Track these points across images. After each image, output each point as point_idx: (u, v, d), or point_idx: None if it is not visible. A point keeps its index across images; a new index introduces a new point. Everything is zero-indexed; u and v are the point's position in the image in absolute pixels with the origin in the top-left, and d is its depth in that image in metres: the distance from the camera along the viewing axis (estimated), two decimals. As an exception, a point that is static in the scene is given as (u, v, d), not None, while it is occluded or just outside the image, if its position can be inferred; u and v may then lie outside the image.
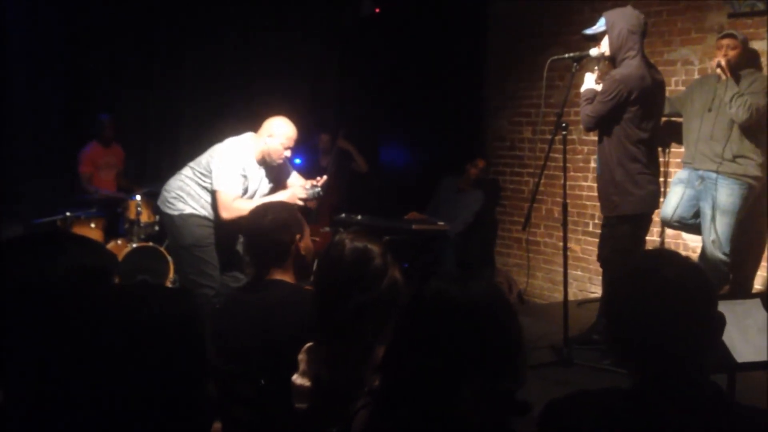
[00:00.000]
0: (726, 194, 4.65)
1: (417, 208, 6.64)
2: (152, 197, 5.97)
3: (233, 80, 6.79)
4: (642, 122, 4.09)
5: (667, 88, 4.62)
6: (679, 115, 5.03)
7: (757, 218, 4.89)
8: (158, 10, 6.72)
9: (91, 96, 6.76)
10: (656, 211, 4.51)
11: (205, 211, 4.31)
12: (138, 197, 6.10)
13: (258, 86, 6.68)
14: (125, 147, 6.84)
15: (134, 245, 6.00)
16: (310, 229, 2.84)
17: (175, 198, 4.35)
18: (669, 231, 5.35)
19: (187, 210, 4.32)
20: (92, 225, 6.08)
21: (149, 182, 6.28)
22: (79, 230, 5.86)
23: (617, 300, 1.52)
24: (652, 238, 5.12)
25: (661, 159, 4.58)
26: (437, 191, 6.89)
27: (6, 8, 6.23)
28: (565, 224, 4.20)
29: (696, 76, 5.24)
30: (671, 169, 5.33)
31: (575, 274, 6.08)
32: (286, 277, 2.64)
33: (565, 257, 4.27)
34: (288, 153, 4.34)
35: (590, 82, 4.30)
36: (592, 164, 5.99)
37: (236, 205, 4.12)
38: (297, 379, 2.11)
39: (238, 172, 4.20)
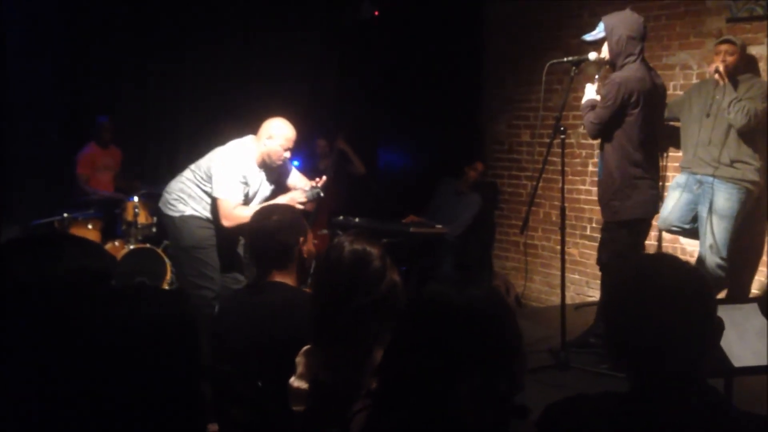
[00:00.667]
0: (724, 199, 4.65)
1: (415, 211, 6.63)
2: (150, 198, 5.98)
3: (232, 81, 6.78)
4: (643, 126, 4.09)
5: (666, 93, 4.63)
6: (677, 120, 5.03)
7: (754, 223, 4.89)
8: (157, 12, 6.72)
9: (90, 97, 6.75)
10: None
11: (207, 212, 4.30)
12: (135, 199, 6.10)
13: (257, 87, 6.68)
14: (124, 148, 6.84)
15: (131, 246, 6.00)
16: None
17: (176, 200, 4.35)
18: (666, 235, 5.35)
19: (188, 212, 4.31)
20: (89, 226, 6.07)
21: (148, 184, 6.28)
22: (77, 231, 5.85)
23: (616, 304, 1.52)
24: (650, 243, 5.12)
25: (659, 163, 4.58)
26: (435, 194, 6.88)
27: (4, 9, 6.22)
28: (563, 228, 4.20)
29: (694, 80, 5.23)
30: (669, 174, 5.32)
31: (573, 277, 6.08)
32: (288, 280, 2.64)
33: (563, 261, 4.26)
34: (287, 154, 4.34)
35: (591, 92, 4.30)
36: (591, 168, 5.99)
37: (237, 213, 4.11)
38: (294, 382, 2.11)
39: (239, 179, 4.19)
